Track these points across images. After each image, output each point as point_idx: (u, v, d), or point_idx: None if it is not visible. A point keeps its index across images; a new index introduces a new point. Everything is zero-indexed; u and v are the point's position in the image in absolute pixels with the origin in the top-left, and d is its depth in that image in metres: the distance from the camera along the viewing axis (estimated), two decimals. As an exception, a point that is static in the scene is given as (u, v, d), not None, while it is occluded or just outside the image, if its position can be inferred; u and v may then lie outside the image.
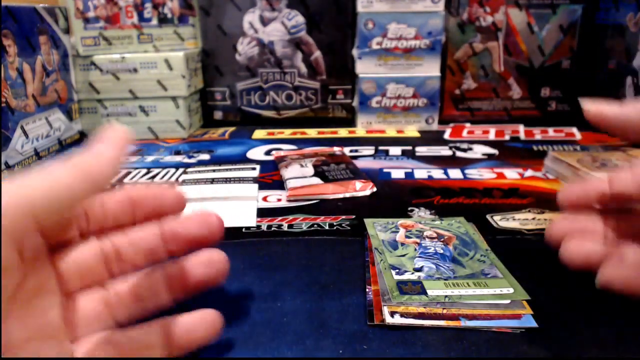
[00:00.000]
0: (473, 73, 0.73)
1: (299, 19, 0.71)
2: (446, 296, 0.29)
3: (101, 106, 0.67)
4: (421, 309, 0.28)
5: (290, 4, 0.70)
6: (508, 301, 0.29)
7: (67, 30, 0.65)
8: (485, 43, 0.72)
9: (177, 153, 0.61)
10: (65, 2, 0.65)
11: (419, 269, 0.32)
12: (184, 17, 0.68)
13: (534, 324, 0.27)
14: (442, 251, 0.35)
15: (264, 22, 0.71)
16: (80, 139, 0.68)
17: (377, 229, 0.38)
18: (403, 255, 0.34)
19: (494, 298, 0.29)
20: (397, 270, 0.32)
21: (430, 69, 0.70)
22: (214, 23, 0.71)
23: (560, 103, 0.74)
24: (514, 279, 0.31)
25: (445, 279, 0.31)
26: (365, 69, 0.70)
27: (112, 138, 0.23)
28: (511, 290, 0.30)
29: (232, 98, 0.75)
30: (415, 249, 0.35)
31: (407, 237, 0.37)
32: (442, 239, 0.37)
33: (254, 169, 0.54)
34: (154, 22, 0.67)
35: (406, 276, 0.32)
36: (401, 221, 0.40)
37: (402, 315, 0.28)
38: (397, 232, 0.38)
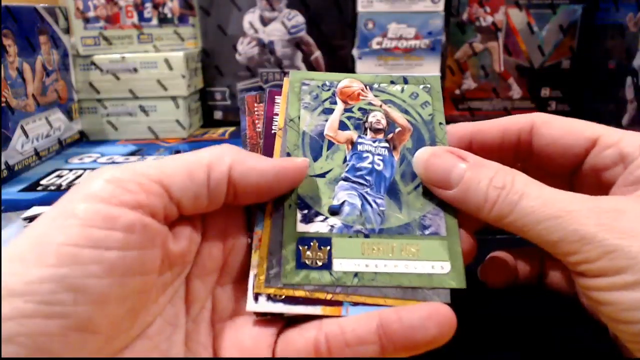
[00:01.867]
0: (473, 73, 0.73)
1: (299, 19, 0.71)
2: (356, 274, 0.22)
3: (101, 106, 0.67)
4: (306, 294, 0.22)
5: (290, 4, 0.70)
6: (431, 287, 0.22)
7: (67, 30, 0.65)
8: (485, 43, 0.72)
9: (177, 153, 0.61)
10: (65, 2, 0.65)
11: (337, 209, 0.24)
12: (184, 17, 0.68)
13: None
14: (380, 166, 0.25)
15: (264, 22, 0.71)
16: (80, 138, 0.67)
17: (303, 102, 0.27)
18: (324, 174, 0.24)
19: (418, 281, 0.22)
20: (305, 213, 0.23)
21: (430, 69, 0.70)
22: (214, 23, 0.71)
23: (560, 103, 0.74)
24: (458, 246, 0.23)
25: (365, 235, 0.23)
26: (365, 69, 0.70)
27: (290, 159, 0.24)
28: (447, 267, 0.22)
29: (232, 98, 0.75)
30: (346, 157, 0.25)
31: (342, 124, 0.26)
32: (391, 134, 0.26)
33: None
34: (154, 22, 0.67)
35: (315, 226, 0.23)
36: (344, 83, 0.28)
37: (271, 298, 0.22)
38: (331, 110, 0.26)
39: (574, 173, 0.27)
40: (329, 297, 0.22)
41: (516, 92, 0.74)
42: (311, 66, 0.73)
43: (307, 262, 0.22)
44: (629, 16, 0.63)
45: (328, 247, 0.23)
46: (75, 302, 0.17)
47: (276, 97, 0.27)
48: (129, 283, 0.19)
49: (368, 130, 0.26)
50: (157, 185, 0.20)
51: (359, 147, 0.25)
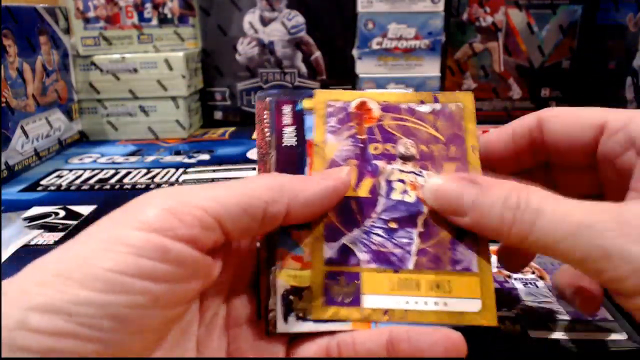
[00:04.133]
0: (473, 73, 0.73)
1: (299, 19, 0.71)
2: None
3: (101, 106, 0.67)
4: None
5: (290, 4, 0.70)
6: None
7: (67, 30, 0.65)
8: (485, 43, 0.72)
9: (177, 153, 0.61)
10: (65, 2, 0.65)
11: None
12: (184, 17, 0.68)
13: None
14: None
15: (264, 22, 0.71)
16: (80, 139, 0.68)
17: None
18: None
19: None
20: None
21: (430, 69, 0.70)
22: (214, 23, 0.71)
23: (560, 103, 0.74)
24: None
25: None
26: (365, 69, 0.70)
27: (335, 174, 0.23)
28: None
29: (232, 98, 0.75)
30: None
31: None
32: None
33: (254, 169, 0.54)
34: (154, 22, 0.67)
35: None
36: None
37: (301, 318, 0.22)
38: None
39: (594, 165, 0.25)
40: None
41: (516, 92, 0.74)
42: (311, 66, 0.73)
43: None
44: (629, 16, 0.63)
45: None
46: (115, 330, 0.17)
47: (283, 107, 0.26)
48: (169, 314, 0.19)
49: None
50: (213, 221, 0.19)
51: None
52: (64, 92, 0.63)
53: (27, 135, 0.55)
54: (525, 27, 0.71)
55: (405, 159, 0.25)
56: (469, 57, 0.72)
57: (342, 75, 0.73)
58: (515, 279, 0.33)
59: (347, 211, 0.24)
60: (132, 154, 0.61)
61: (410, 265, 0.23)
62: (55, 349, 0.16)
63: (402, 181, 0.24)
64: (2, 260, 0.36)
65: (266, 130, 0.25)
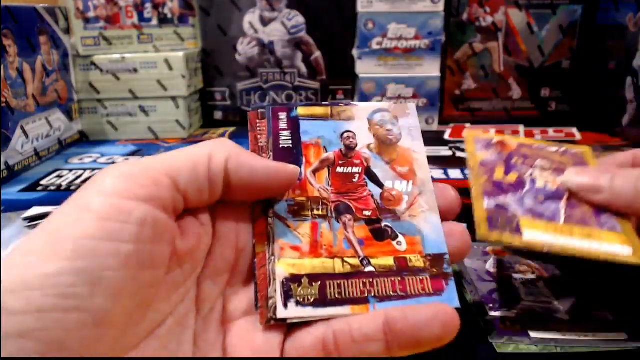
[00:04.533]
0: (473, 73, 0.73)
1: (299, 19, 0.71)
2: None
3: (101, 106, 0.67)
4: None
5: (290, 4, 0.70)
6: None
7: (67, 30, 0.65)
8: (485, 43, 0.72)
9: (177, 153, 0.61)
10: (65, 2, 0.65)
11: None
12: (184, 17, 0.68)
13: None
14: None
15: (264, 22, 0.71)
16: (80, 139, 0.68)
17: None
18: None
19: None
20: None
21: (430, 69, 0.70)
22: (214, 23, 0.71)
23: (560, 103, 0.74)
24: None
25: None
26: (365, 69, 0.70)
27: (284, 165, 0.24)
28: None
29: (232, 98, 0.75)
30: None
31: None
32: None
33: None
34: (154, 22, 0.67)
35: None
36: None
37: (300, 303, 0.23)
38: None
39: None
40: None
41: (516, 92, 0.74)
42: (311, 66, 0.73)
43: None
44: (629, 16, 0.63)
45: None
46: (92, 295, 0.17)
47: (279, 113, 0.28)
48: (140, 276, 0.19)
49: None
50: (166, 178, 0.20)
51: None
52: (64, 92, 0.63)
53: (27, 135, 0.55)
54: (525, 27, 0.71)
55: (543, 169, 0.31)
56: (469, 57, 0.72)
57: (342, 75, 0.73)
58: (515, 278, 0.33)
59: (497, 186, 0.29)
60: (132, 154, 0.61)
61: (561, 220, 0.27)
62: (38, 328, 0.16)
63: (542, 179, 0.30)
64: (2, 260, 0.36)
65: (259, 136, 0.27)
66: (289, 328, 0.23)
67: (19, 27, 0.54)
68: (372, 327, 0.21)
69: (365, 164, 0.27)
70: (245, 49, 0.72)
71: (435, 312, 0.21)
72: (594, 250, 0.25)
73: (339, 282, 0.23)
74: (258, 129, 0.27)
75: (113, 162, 0.58)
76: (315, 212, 0.25)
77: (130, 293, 0.19)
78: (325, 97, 0.74)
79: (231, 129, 0.73)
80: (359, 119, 0.28)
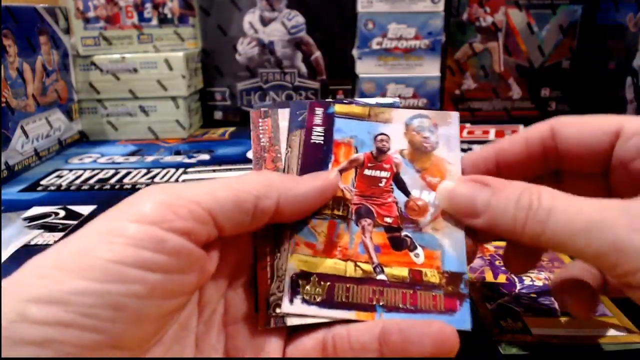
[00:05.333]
0: (473, 73, 0.73)
1: (299, 19, 0.71)
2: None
3: (101, 106, 0.67)
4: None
5: (290, 4, 0.70)
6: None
7: (67, 30, 0.65)
8: (485, 43, 0.72)
9: (177, 153, 0.61)
10: (65, 2, 0.65)
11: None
12: (184, 17, 0.68)
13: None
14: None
15: (264, 22, 0.71)
16: (80, 139, 0.68)
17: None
18: None
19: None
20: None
21: (430, 69, 0.70)
22: (214, 23, 0.71)
23: (560, 103, 0.74)
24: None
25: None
26: (365, 69, 0.70)
27: (323, 175, 0.24)
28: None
29: (232, 98, 0.75)
30: None
31: None
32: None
33: (254, 169, 0.54)
34: (154, 22, 0.67)
35: None
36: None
37: (306, 300, 0.23)
38: None
39: (607, 171, 0.25)
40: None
41: (516, 92, 0.74)
42: (311, 66, 0.73)
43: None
44: (629, 16, 0.63)
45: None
46: (114, 319, 0.17)
47: (316, 108, 0.27)
48: (164, 305, 0.19)
49: None
50: (206, 214, 0.20)
51: None
52: (64, 92, 0.63)
53: (27, 135, 0.55)
54: (525, 27, 0.71)
55: None
56: (469, 57, 0.72)
57: (342, 75, 0.73)
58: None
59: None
60: (132, 154, 0.61)
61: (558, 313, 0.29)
62: (55, 340, 0.16)
63: None
64: (2, 260, 0.36)
65: (261, 136, 0.27)
66: (290, 332, 0.23)
67: (19, 27, 0.54)
68: (369, 337, 0.21)
69: (395, 170, 0.26)
70: (245, 49, 0.72)
71: (430, 330, 0.20)
72: (597, 338, 0.26)
73: (348, 285, 0.23)
74: (260, 128, 0.27)
75: (113, 162, 0.58)
76: (336, 211, 0.25)
77: (152, 320, 0.19)
78: (325, 97, 0.74)
79: (231, 129, 0.72)
80: (397, 122, 0.27)
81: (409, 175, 0.26)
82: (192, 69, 0.69)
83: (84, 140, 0.68)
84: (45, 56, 0.59)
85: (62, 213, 0.44)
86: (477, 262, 0.35)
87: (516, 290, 0.31)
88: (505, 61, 0.72)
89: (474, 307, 0.27)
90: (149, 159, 0.59)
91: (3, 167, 0.51)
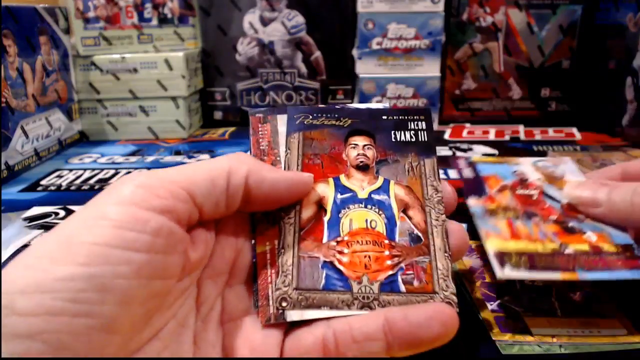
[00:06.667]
0: (473, 73, 0.73)
1: (299, 19, 0.71)
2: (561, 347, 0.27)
3: (101, 106, 0.67)
4: None
5: (290, 4, 0.70)
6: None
7: (67, 30, 0.65)
8: (485, 43, 0.72)
9: (177, 153, 0.61)
10: (65, 2, 0.65)
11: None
12: (184, 17, 0.68)
13: None
14: None
15: (264, 22, 0.71)
16: (80, 139, 0.68)
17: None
18: None
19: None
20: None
21: (430, 69, 0.70)
22: (214, 23, 0.71)
23: (560, 103, 0.74)
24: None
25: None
26: (365, 69, 0.70)
27: (299, 174, 0.25)
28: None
29: (232, 98, 0.75)
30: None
31: None
32: None
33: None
34: (154, 22, 0.67)
35: None
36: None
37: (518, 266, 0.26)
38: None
39: None
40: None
41: (516, 92, 0.74)
42: (311, 66, 0.73)
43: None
44: (629, 16, 0.63)
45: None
46: (102, 301, 0.17)
47: (458, 161, 0.35)
48: (151, 285, 0.19)
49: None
50: (184, 192, 0.21)
51: None
52: (64, 92, 0.63)
53: (27, 135, 0.55)
54: (525, 27, 0.71)
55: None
56: (469, 57, 0.72)
57: (342, 75, 0.73)
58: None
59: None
60: (132, 154, 0.61)
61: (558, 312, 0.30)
62: (45, 330, 0.16)
63: None
64: (2, 260, 0.36)
65: (260, 140, 0.28)
66: (288, 328, 0.23)
67: (19, 27, 0.54)
68: (373, 327, 0.21)
69: (540, 189, 0.32)
70: (245, 49, 0.72)
71: (434, 312, 0.21)
72: (597, 338, 0.27)
73: (545, 257, 0.27)
74: (260, 133, 0.29)
75: (113, 162, 0.58)
76: (508, 214, 0.30)
77: (140, 301, 0.19)
78: (325, 97, 0.74)
79: (231, 129, 0.73)
80: (524, 164, 0.35)
81: (553, 189, 0.32)
82: (192, 69, 0.69)
83: (84, 140, 0.68)
84: (45, 56, 0.59)
85: (62, 213, 0.44)
86: (477, 262, 0.35)
87: (516, 290, 0.31)
88: (505, 61, 0.72)
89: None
90: (149, 159, 0.59)
91: (3, 167, 0.51)
